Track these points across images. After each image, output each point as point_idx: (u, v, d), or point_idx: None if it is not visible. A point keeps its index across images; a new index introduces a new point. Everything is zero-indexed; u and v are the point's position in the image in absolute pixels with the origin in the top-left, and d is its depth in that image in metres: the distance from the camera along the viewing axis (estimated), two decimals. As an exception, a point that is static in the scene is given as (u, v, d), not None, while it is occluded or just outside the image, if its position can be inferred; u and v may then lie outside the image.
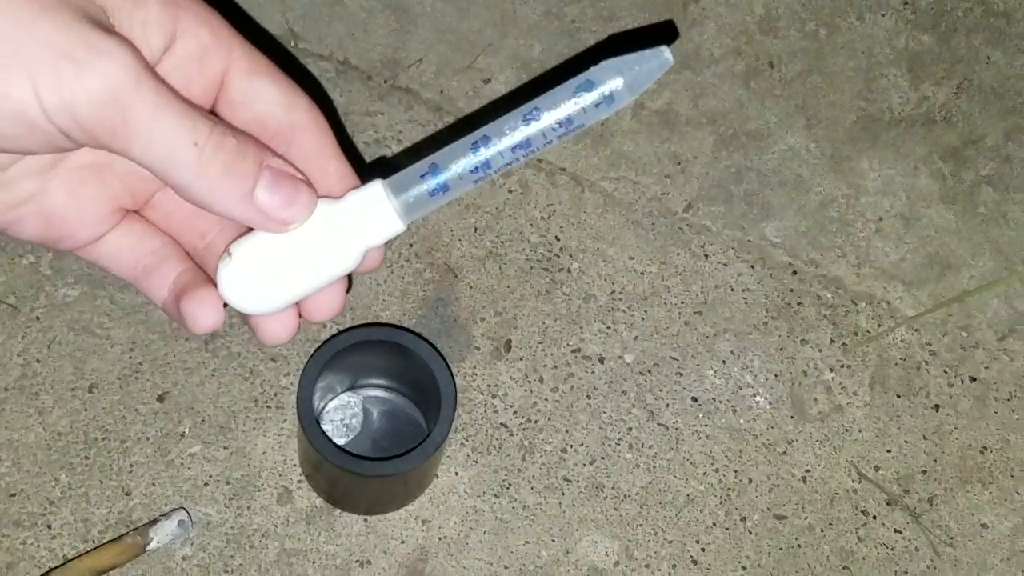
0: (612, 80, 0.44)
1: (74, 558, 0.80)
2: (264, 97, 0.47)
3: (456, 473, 0.86)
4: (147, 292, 0.50)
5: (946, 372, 0.93)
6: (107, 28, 0.41)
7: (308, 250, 0.47)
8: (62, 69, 0.40)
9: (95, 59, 0.40)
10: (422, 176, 0.46)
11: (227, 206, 0.45)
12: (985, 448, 0.92)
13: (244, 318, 0.49)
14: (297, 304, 0.49)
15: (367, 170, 0.93)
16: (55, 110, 0.40)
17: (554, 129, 0.45)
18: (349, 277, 0.49)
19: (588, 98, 0.45)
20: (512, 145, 0.45)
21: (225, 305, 0.48)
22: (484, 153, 0.45)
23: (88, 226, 0.48)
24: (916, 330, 0.95)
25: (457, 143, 0.46)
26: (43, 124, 0.40)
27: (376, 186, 0.47)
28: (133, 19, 0.43)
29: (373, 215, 0.47)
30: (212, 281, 0.48)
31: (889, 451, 0.90)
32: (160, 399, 0.86)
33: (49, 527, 0.82)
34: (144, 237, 0.50)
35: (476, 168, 0.46)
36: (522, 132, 0.45)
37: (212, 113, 0.47)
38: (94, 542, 0.81)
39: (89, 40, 0.40)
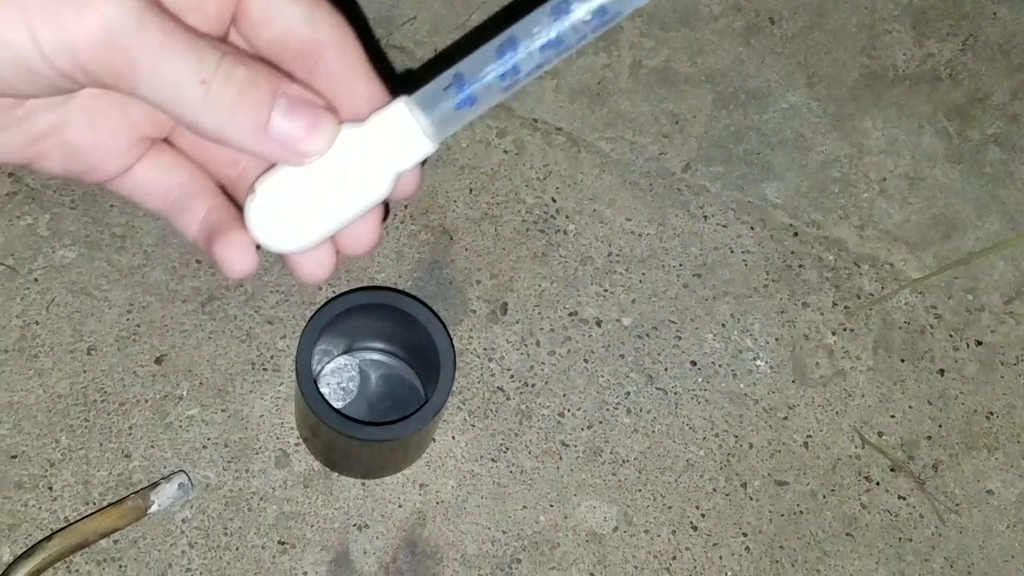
0: None
1: (77, 521, 0.80)
2: (284, 13, 0.44)
3: (453, 437, 0.86)
4: (179, 229, 0.48)
5: (951, 336, 0.93)
6: None
7: (336, 180, 0.44)
8: (60, 12, 0.38)
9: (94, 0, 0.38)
10: (445, 89, 0.43)
11: (241, 140, 0.42)
12: (991, 413, 0.91)
13: (280, 257, 0.46)
14: (332, 239, 0.46)
15: (399, 83, 0.91)
16: (55, 55, 0.39)
17: (586, 22, 0.41)
18: (386, 205, 0.46)
19: None
20: (542, 44, 0.42)
21: (259, 246, 0.45)
22: (512, 57, 0.42)
23: (112, 157, 0.46)
24: (920, 293, 0.94)
25: (481, 50, 0.42)
26: (44, 70, 0.39)
27: (399, 105, 0.44)
28: None
29: (400, 137, 0.44)
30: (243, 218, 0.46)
31: (893, 416, 0.90)
32: (158, 361, 0.86)
33: (50, 488, 0.82)
34: (171, 170, 0.48)
35: (504, 75, 0.42)
36: (553, 29, 0.41)
37: (231, 32, 0.45)
38: (95, 504, 0.81)
39: None
